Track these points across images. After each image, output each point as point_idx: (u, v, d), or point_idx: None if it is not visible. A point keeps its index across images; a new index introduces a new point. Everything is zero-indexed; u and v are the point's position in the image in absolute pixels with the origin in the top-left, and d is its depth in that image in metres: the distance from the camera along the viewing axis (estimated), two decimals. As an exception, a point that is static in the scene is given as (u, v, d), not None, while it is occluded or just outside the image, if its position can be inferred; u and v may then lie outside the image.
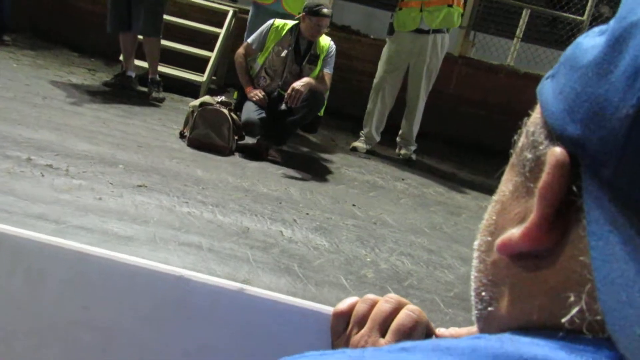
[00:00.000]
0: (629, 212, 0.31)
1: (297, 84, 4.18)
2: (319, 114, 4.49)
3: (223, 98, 4.34)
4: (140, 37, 5.16)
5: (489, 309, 0.39)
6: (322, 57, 4.41)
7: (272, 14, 4.66)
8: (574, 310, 0.32)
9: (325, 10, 4.29)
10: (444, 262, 3.13)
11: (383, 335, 0.59)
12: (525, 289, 0.36)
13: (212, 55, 5.76)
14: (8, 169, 3.01)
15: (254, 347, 0.66)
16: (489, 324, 0.40)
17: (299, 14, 4.45)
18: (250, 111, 4.24)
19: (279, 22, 4.43)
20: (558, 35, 6.79)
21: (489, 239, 0.39)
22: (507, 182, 0.39)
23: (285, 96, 4.22)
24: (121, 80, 5.20)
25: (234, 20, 5.98)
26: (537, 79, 0.50)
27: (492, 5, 6.91)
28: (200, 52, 5.84)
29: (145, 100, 5.04)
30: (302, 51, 4.43)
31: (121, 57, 5.31)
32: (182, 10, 6.14)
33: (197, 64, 5.78)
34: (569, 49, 0.37)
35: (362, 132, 5.23)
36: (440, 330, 0.61)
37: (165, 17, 5.38)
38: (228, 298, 0.67)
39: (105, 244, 2.43)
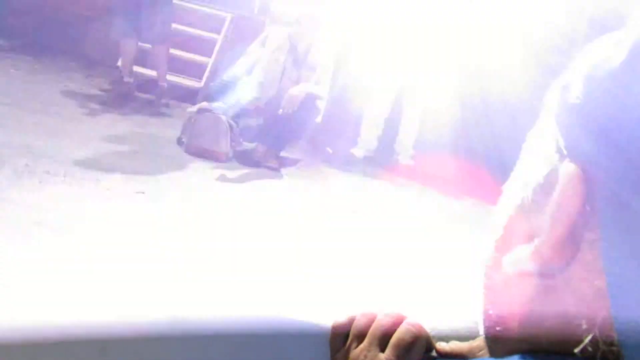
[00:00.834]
0: None
1: (295, 90, 4.18)
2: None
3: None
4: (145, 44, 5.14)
5: (497, 328, 0.37)
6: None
7: None
8: (587, 340, 0.30)
9: None
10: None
11: (382, 349, 0.58)
12: (535, 310, 0.34)
13: (210, 60, 5.75)
14: (6, 175, 3.00)
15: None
16: (497, 344, 0.38)
17: None
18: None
19: None
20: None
21: (497, 254, 0.37)
22: (514, 195, 0.37)
23: (283, 102, 4.22)
24: (119, 86, 5.19)
25: (232, 26, 5.98)
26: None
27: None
28: (197, 57, 5.83)
29: (143, 106, 5.02)
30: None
31: (119, 63, 5.29)
32: (179, 15, 6.13)
33: (195, 70, 5.77)
34: (583, 60, 0.34)
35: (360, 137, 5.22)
36: (440, 345, 0.61)
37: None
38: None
39: (104, 251, 2.43)
